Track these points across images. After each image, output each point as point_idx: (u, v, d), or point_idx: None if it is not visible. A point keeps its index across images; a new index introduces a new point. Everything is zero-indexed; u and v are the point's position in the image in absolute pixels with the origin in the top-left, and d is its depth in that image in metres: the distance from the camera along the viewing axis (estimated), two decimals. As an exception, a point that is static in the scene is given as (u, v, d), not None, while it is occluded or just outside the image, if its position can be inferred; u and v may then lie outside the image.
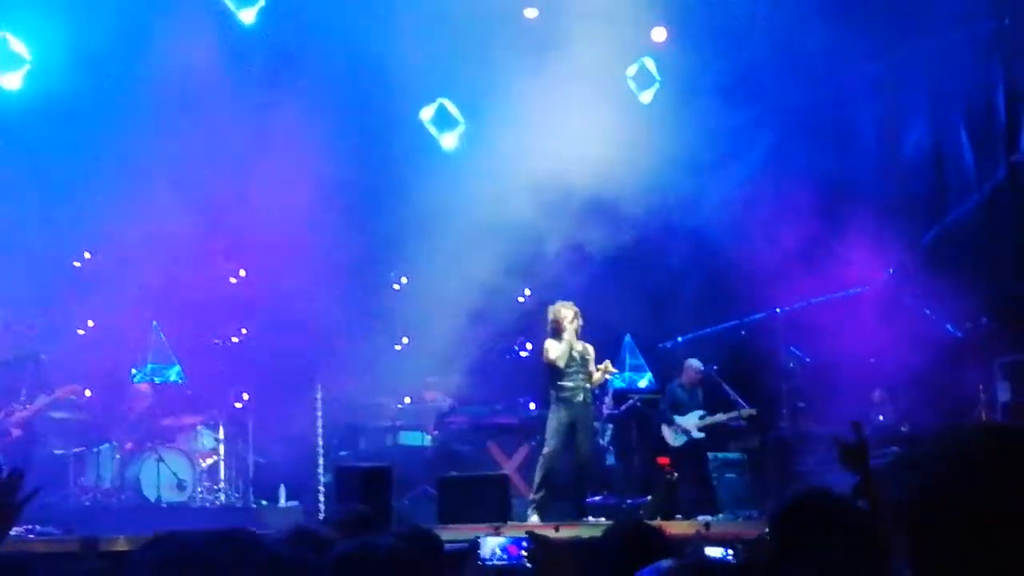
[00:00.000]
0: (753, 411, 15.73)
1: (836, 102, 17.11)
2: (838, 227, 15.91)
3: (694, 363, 16.17)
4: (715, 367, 16.23)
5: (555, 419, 13.40)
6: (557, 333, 13.47)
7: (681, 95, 16.68)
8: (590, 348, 13.68)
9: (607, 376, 13.98)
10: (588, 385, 13.51)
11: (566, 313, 13.49)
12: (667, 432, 15.82)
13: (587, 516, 13.20)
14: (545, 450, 13.47)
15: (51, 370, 13.58)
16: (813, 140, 16.69)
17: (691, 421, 15.75)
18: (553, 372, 13.45)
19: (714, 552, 7.96)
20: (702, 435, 15.70)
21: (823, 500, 4.26)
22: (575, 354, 13.42)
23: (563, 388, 13.37)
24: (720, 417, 15.77)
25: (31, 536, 11.83)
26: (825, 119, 17.00)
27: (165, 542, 2.39)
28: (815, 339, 16.11)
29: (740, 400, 15.76)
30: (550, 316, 13.61)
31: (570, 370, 13.38)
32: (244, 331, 16.38)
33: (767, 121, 16.61)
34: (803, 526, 4.18)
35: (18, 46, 14.60)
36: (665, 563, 3.36)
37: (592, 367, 13.57)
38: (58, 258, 15.42)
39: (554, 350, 13.40)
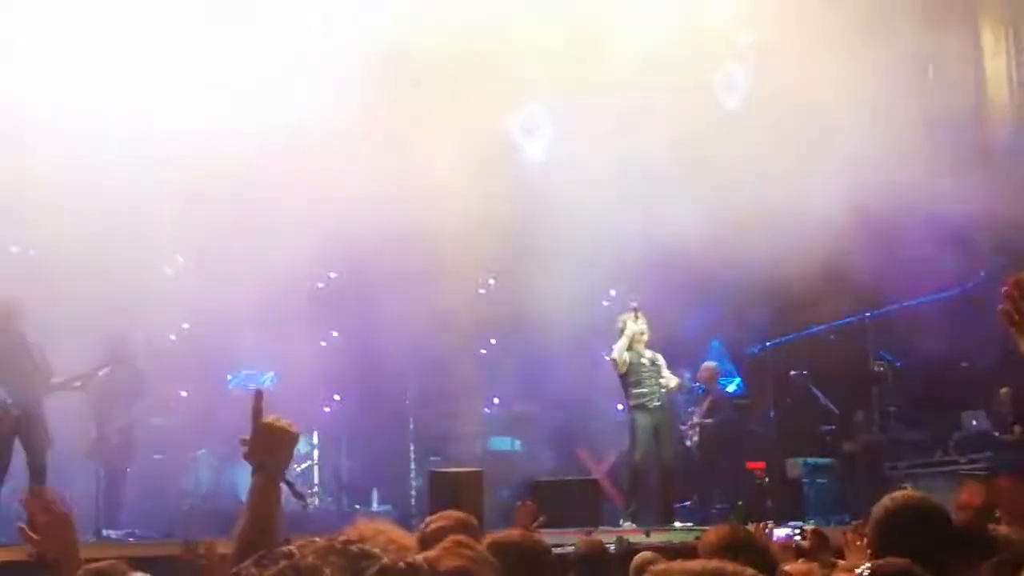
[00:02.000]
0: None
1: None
2: (927, 228, 15.74)
3: (708, 364, 16.41)
4: (805, 372, 16.17)
5: (636, 426, 13.52)
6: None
7: (766, 103, 16.65)
8: (660, 357, 13.91)
9: (677, 390, 14.04)
10: (663, 389, 13.59)
11: (626, 318, 13.76)
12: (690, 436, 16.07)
13: (674, 522, 13.22)
14: (632, 457, 13.56)
15: (148, 377, 13.82)
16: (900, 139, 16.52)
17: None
18: (626, 379, 13.56)
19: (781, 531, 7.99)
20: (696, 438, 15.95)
21: (923, 506, 4.29)
22: (645, 360, 13.54)
23: (638, 395, 13.53)
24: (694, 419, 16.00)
25: (131, 540, 12.13)
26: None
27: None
28: (906, 343, 15.95)
29: (830, 405, 15.68)
30: (619, 326, 13.88)
31: (642, 375, 13.55)
32: (334, 334, 16.53)
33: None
34: (904, 532, 4.21)
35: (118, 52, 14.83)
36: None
37: (665, 372, 13.68)
38: (152, 264, 15.67)
39: (615, 352, 13.67)
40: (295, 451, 11.45)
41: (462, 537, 4.52)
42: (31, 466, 11.66)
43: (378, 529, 3.95)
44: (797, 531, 9.28)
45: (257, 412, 3.63)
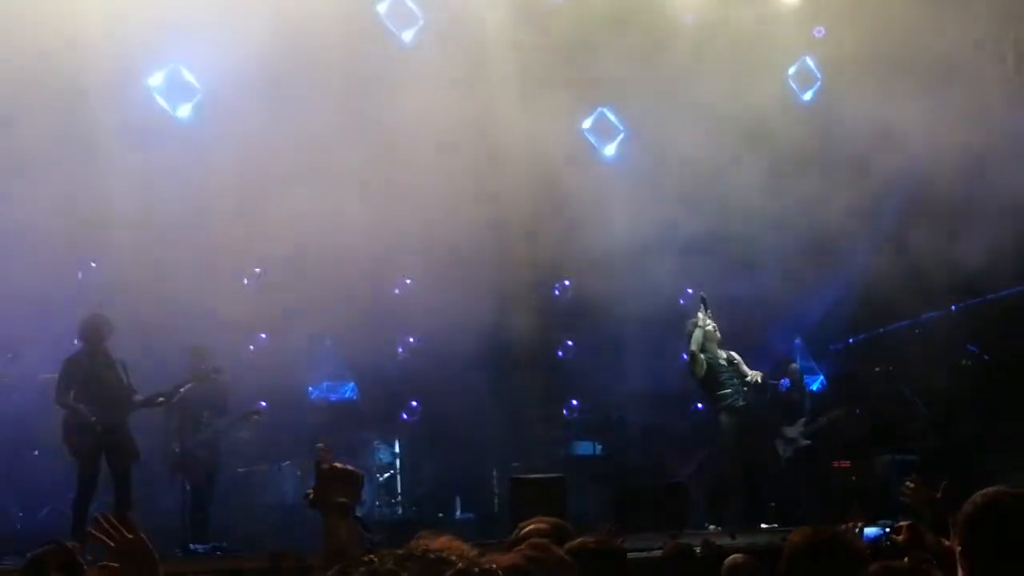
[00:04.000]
0: (841, 412, 15.34)
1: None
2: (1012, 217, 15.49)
3: (794, 366, 16.07)
4: (891, 368, 15.96)
5: (722, 428, 13.38)
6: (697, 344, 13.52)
7: (842, 93, 16.50)
8: (735, 355, 13.69)
9: (757, 380, 13.75)
10: (745, 388, 13.41)
11: (700, 317, 13.61)
12: (779, 445, 15.60)
13: (762, 523, 13.07)
14: (719, 460, 13.46)
15: (231, 389, 13.87)
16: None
17: (796, 429, 15.54)
18: (707, 381, 13.42)
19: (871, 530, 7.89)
20: (808, 442, 15.50)
21: (1016, 503, 4.17)
22: (722, 360, 13.39)
23: (722, 396, 13.35)
24: (822, 421, 15.52)
25: (218, 554, 12.21)
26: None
27: None
28: (993, 335, 15.70)
29: (918, 401, 15.44)
30: (689, 329, 13.68)
31: (722, 376, 13.37)
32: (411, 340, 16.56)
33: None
34: (996, 529, 4.10)
35: (189, 77, 15.04)
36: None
37: (744, 369, 13.50)
38: (235, 277, 15.83)
39: (694, 344, 13.47)
40: (378, 460, 11.49)
41: (539, 541, 4.53)
42: (117, 482, 11.76)
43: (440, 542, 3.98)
44: (887, 529, 9.17)
45: (320, 462, 3.93)
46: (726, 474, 13.36)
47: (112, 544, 3.94)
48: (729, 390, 13.36)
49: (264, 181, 14.64)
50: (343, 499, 3.83)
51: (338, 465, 3.91)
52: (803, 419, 15.63)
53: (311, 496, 3.91)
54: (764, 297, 15.86)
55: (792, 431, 15.57)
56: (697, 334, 13.40)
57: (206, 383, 12.85)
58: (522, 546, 4.35)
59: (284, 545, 11.85)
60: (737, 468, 13.38)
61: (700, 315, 13.50)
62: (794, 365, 16.28)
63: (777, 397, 15.99)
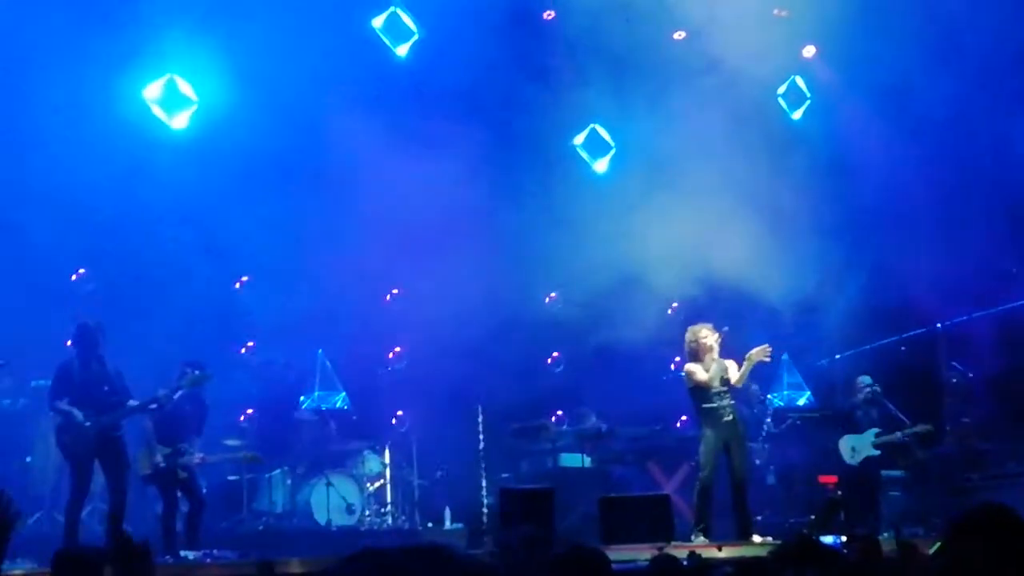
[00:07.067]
0: (929, 427, 15.41)
1: (991, 112, 16.80)
2: (998, 238, 15.63)
3: (864, 380, 15.93)
4: (877, 385, 16.02)
5: (707, 441, 13.24)
6: (697, 355, 13.27)
7: (830, 111, 16.68)
8: (731, 364, 13.33)
9: (765, 359, 13.42)
10: (735, 402, 13.30)
11: (706, 334, 13.28)
12: (844, 449, 15.57)
13: (752, 536, 13.05)
14: (701, 473, 13.35)
15: (210, 411, 13.58)
16: (968, 148, 16.40)
17: (867, 439, 15.52)
18: (699, 394, 13.26)
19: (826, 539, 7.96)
20: (877, 452, 15.47)
21: (1004, 516, 4.23)
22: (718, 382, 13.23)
23: (711, 410, 13.19)
24: (897, 436, 15.46)
25: (208, 560, 12.22)
26: (981, 130, 16.70)
27: (363, 558, 2.48)
28: (978, 353, 15.82)
29: (902, 417, 15.49)
30: (689, 338, 13.39)
31: (716, 390, 13.22)
32: (397, 350, 16.65)
33: (921, 130, 16.33)
34: (983, 542, 4.17)
35: (185, 88, 15.12)
36: None
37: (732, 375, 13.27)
38: (224, 288, 15.94)
39: (701, 372, 13.15)
40: (368, 470, 11.44)
41: None
42: (112, 488, 11.77)
43: None
44: (843, 538, 9.31)
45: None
46: (706, 488, 13.25)
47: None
48: (715, 404, 13.17)
49: (258, 186, 14.77)
50: None
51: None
52: (875, 430, 15.57)
53: None
54: (751, 312, 15.94)
55: (863, 440, 15.54)
56: (715, 368, 13.14)
57: (191, 398, 12.81)
58: None
59: (273, 553, 11.91)
60: (716, 482, 13.23)
61: (709, 334, 13.24)
62: (864, 377, 16.06)
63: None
